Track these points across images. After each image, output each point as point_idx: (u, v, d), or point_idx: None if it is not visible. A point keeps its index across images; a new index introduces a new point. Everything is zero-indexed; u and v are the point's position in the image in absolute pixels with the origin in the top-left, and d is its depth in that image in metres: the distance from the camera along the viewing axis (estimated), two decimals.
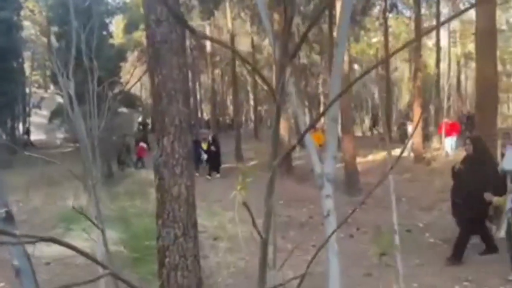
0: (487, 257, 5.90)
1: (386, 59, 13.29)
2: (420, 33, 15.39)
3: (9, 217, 1.71)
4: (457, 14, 3.31)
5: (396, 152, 15.57)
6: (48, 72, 27.87)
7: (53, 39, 20.22)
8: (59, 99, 21.77)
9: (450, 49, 27.05)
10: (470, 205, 5.69)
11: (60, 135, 19.91)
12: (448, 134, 15.59)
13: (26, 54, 27.66)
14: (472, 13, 15.48)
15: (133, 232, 7.91)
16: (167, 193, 4.31)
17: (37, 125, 26.16)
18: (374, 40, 27.65)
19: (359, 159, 11.67)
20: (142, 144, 17.31)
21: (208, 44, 23.46)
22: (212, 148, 14.60)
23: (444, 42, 25.33)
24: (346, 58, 10.71)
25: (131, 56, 29.61)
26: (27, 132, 24.79)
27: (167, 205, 4.32)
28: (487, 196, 5.53)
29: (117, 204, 10.89)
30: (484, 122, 7.58)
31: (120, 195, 12.01)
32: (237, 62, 19.87)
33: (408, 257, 6.01)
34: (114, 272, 0.95)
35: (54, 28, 21.00)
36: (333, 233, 1.23)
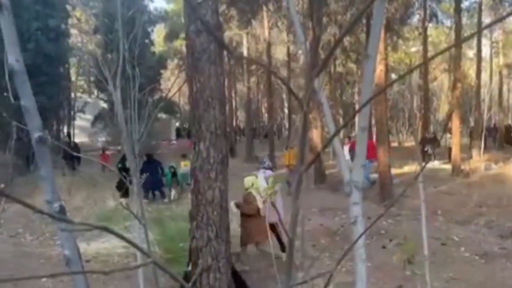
0: None
1: (423, 63, 13.05)
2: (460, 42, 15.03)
3: (62, 211, 1.88)
4: (498, 19, 3.32)
5: (433, 164, 15.10)
6: (92, 78, 29.04)
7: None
8: (102, 104, 22.67)
9: (492, 60, 26.10)
10: None
11: (102, 138, 20.70)
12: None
13: (72, 60, 28.96)
14: None
15: (168, 233, 8.16)
16: (201, 196, 4.49)
17: (81, 128, 27.34)
18: (413, 49, 27.11)
19: (394, 170, 11.48)
20: (107, 152, 17.45)
21: (245, 52, 23.79)
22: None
23: (485, 52, 24.49)
24: (382, 67, 10.62)
25: (171, 64, 30.38)
26: (68, 135, 25.91)
27: (201, 208, 4.49)
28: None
29: (153, 206, 11.24)
30: None
31: (156, 198, 12.40)
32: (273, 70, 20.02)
33: (442, 270, 5.93)
34: (156, 261, 1.05)
35: (99, 36, 21.91)
36: (358, 238, 1.30)
